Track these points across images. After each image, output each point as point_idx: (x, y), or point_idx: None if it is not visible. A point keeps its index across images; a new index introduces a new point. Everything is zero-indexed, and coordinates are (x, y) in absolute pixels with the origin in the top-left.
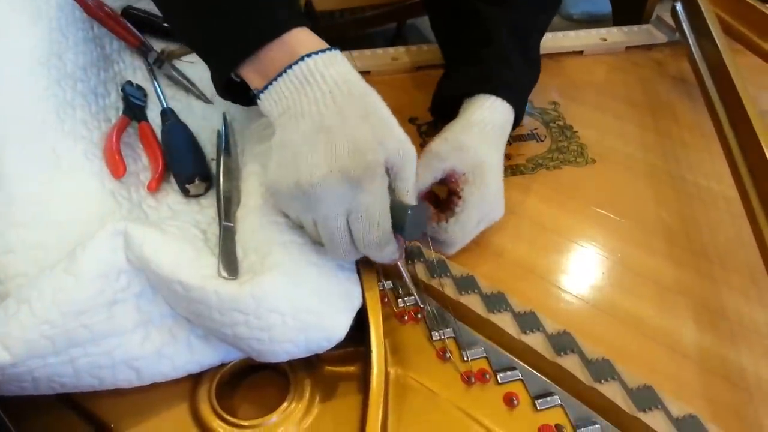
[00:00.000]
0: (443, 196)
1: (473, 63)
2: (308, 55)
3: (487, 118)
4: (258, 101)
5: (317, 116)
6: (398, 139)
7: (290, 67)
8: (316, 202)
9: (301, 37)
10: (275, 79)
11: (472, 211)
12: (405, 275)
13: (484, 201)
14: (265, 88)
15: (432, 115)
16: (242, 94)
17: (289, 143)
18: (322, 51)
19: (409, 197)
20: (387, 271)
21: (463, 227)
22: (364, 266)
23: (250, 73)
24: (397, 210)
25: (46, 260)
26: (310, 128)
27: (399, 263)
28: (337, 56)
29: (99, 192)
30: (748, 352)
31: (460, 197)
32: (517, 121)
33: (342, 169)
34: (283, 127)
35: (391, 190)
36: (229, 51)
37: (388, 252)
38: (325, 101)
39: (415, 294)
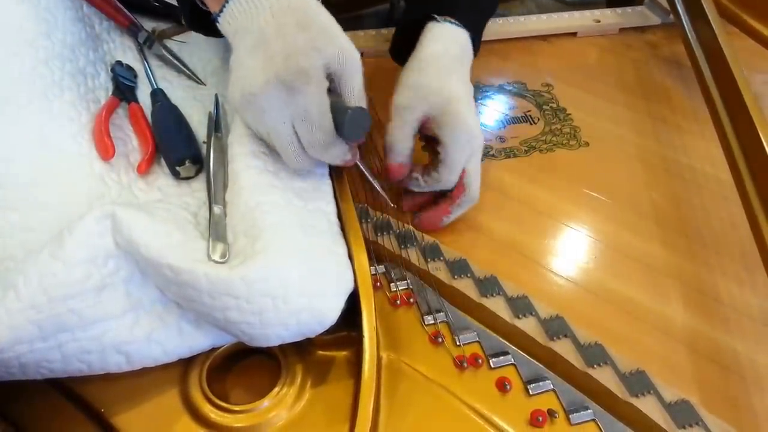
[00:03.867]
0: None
1: None
2: None
3: (440, 50)
4: (217, 25)
5: (258, 31)
6: (337, 45)
7: None
8: (261, 112)
9: None
10: (227, 1)
11: (455, 152)
12: (367, 175)
13: (463, 136)
14: (221, 11)
15: (392, 58)
16: (210, 25)
17: (238, 61)
18: None
19: (355, 101)
20: (378, 255)
21: (452, 169)
22: (356, 250)
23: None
24: (338, 112)
25: (35, 244)
26: (252, 43)
27: (359, 164)
28: None
29: (88, 174)
30: (740, 336)
31: (440, 142)
32: (475, 50)
33: (277, 75)
34: (235, 47)
35: (337, 95)
36: None
37: (336, 153)
38: (265, 16)
39: (383, 194)
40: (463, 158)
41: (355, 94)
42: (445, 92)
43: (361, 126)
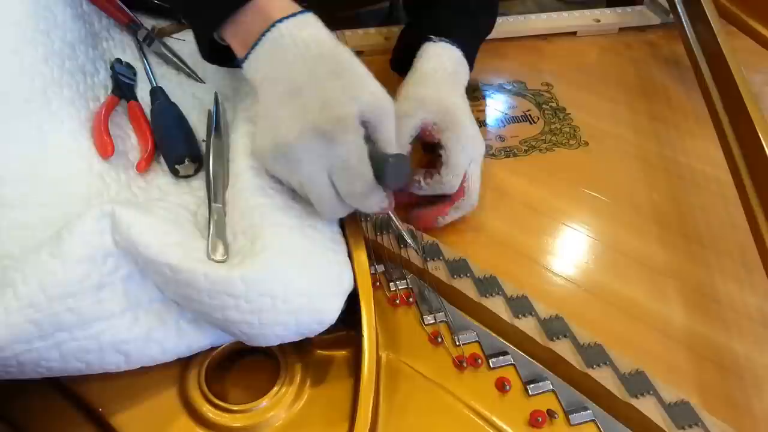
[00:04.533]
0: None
1: (426, 11)
2: (280, 21)
3: (436, 66)
4: (242, 70)
5: (290, 79)
6: (371, 93)
7: (264, 34)
8: (297, 162)
9: (275, 2)
10: (253, 48)
11: (458, 154)
12: (397, 224)
13: (466, 139)
14: (246, 57)
15: (392, 70)
16: (228, 59)
17: (267, 109)
18: (293, 15)
19: (391, 148)
20: (378, 255)
21: (455, 171)
22: (356, 249)
23: (234, 41)
24: (378, 159)
25: (33, 242)
26: (284, 91)
27: (390, 213)
28: (309, 18)
29: (87, 173)
30: (739, 337)
31: (442, 146)
32: (470, 68)
33: (313, 126)
34: (263, 95)
35: (372, 142)
36: (207, 15)
37: (374, 201)
38: (296, 63)
39: (411, 243)
40: (465, 160)
41: (390, 141)
42: (444, 101)
43: (401, 172)
